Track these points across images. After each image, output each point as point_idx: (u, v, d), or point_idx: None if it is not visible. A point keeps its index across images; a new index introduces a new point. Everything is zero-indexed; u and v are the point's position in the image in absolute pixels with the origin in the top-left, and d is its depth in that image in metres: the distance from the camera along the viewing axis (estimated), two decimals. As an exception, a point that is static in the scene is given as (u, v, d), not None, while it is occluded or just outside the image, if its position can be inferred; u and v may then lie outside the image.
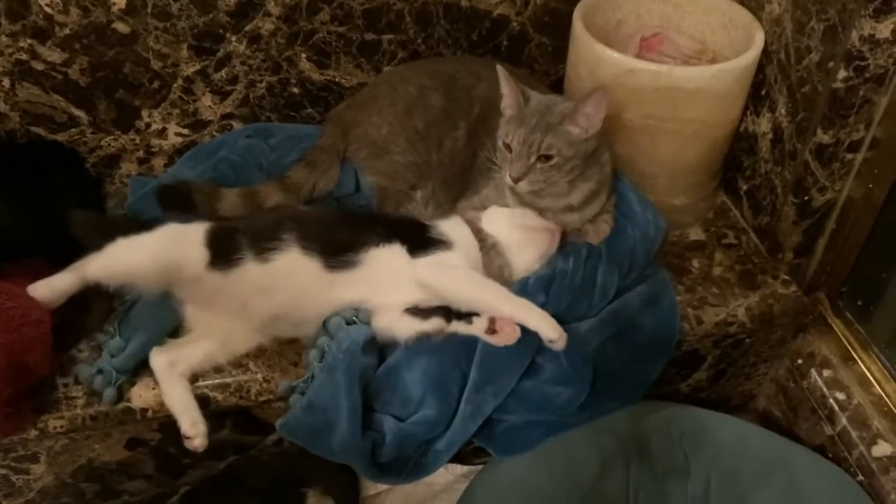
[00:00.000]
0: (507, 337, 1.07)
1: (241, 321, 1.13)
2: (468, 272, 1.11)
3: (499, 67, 1.11)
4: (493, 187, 1.23)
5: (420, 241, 1.12)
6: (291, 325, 1.15)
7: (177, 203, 1.24)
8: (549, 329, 1.05)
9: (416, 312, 1.11)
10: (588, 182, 1.17)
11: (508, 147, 1.12)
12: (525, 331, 1.08)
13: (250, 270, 1.08)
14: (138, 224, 1.14)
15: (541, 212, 1.19)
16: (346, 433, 1.09)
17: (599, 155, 1.17)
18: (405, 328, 1.11)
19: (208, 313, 1.13)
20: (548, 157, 1.10)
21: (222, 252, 1.08)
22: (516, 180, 1.11)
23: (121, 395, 1.11)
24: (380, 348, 1.15)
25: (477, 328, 1.09)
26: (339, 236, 1.11)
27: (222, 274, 1.07)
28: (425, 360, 1.13)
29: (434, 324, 1.10)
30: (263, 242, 1.08)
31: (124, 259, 1.07)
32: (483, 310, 1.09)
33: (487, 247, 1.16)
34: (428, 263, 1.10)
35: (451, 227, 1.15)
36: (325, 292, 1.11)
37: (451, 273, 1.11)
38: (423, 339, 1.11)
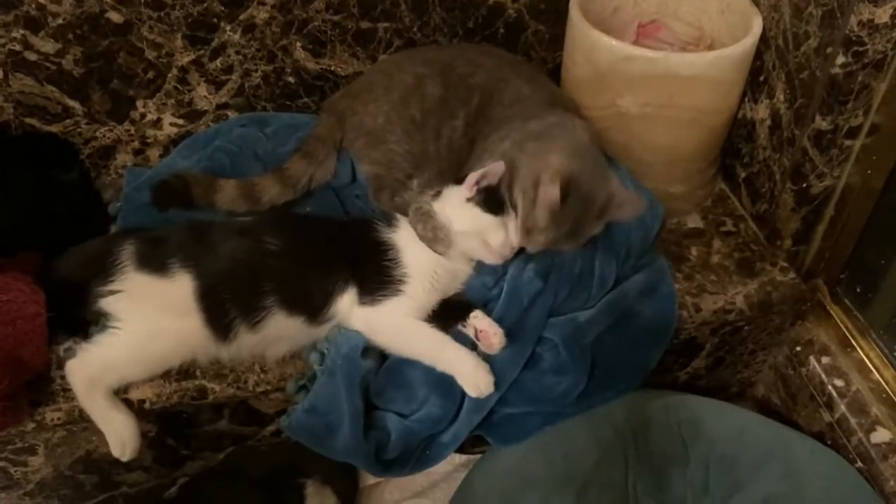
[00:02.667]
0: (488, 346, 1.08)
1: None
2: (400, 327, 1.10)
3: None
4: None
5: (373, 284, 1.10)
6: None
7: (172, 200, 1.24)
8: (472, 386, 1.06)
9: None
10: None
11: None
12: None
13: (245, 339, 1.09)
14: None
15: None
16: (349, 437, 1.09)
17: None
18: None
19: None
20: None
21: (221, 329, 1.08)
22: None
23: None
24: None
25: (468, 331, 1.11)
26: (313, 291, 1.10)
27: (225, 346, 1.09)
28: None
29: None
30: (252, 314, 1.07)
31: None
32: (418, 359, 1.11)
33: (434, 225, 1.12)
34: (364, 317, 1.10)
35: (417, 258, 1.12)
36: (310, 335, 1.13)
37: (381, 329, 1.11)
38: None
